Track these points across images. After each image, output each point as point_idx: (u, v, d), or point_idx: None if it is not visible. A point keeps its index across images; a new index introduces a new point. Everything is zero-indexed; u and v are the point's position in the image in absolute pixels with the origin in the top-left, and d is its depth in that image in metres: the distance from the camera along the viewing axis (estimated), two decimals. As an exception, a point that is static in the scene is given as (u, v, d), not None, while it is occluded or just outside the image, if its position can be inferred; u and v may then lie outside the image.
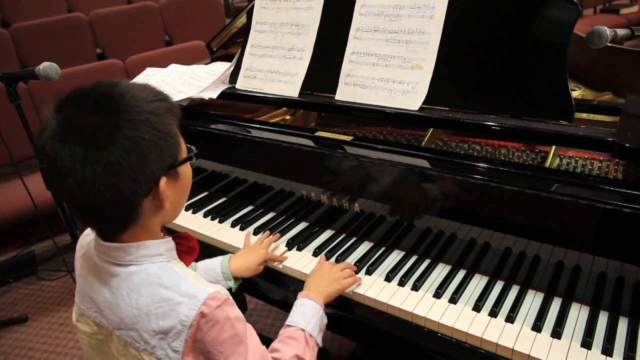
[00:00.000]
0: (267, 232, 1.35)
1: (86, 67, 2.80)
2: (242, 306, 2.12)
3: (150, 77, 1.82)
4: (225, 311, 0.78)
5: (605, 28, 1.17)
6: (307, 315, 1.01)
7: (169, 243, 0.85)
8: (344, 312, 1.14)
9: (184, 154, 0.82)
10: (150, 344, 0.78)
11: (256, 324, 2.21)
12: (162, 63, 1.95)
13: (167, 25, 3.94)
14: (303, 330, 0.99)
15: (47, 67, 1.41)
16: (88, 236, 0.91)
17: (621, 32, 1.29)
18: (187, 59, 2.06)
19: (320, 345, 1.02)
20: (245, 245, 1.30)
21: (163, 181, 0.77)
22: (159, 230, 0.85)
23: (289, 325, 1.00)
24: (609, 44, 1.34)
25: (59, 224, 2.70)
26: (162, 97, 0.79)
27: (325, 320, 1.05)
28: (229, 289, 1.21)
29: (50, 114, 0.73)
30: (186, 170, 0.84)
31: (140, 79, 1.82)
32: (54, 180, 0.74)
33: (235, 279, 1.21)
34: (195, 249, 0.93)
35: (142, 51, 3.21)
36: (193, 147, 0.85)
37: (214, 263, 1.21)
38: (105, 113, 0.72)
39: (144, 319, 0.78)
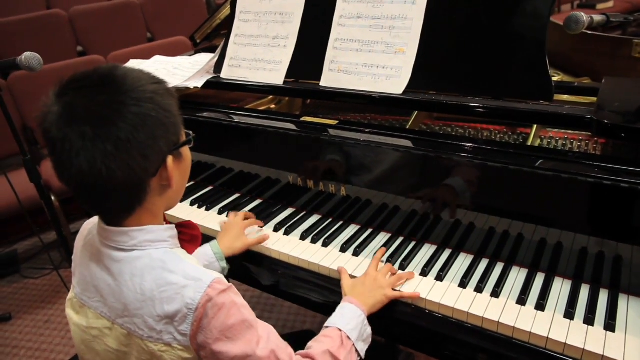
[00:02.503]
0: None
1: (68, 63, 2.76)
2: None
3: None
4: (230, 296, 0.77)
5: (583, 14, 1.19)
6: (345, 317, 0.98)
7: (172, 230, 0.84)
8: (329, 292, 1.14)
9: (184, 136, 0.83)
10: (155, 329, 0.77)
11: (244, 316, 2.20)
12: (146, 58, 1.93)
13: (148, 22, 3.91)
14: (340, 330, 0.95)
15: (29, 57, 1.38)
16: (89, 225, 0.90)
17: (597, 18, 1.32)
18: (171, 55, 2.04)
19: (362, 355, 0.98)
20: (222, 228, 1.31)
21: (170, 159, 0.77)
22: (162, 215, 0.85)
23: (326, 327, 0.98)
24: (586, 31, 1.37)
25: (43, 221, 2.67)
26: (160, 80, 0.80)
27: (368, 330, 1.00)
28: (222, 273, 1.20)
29: (52, 99, 0.72)
30: (187, 153, 0.85)
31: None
32: (63, 164, 0.72)
33: (227, 259, 1.21)
34: (197, 238, 0.92)
35: (124, 48, 3.17)
36: (190, 132, 0.86)
37: (203, 248, 1.21)
38: (110, 92, 0.72)
39: (149, 304, 0.76)
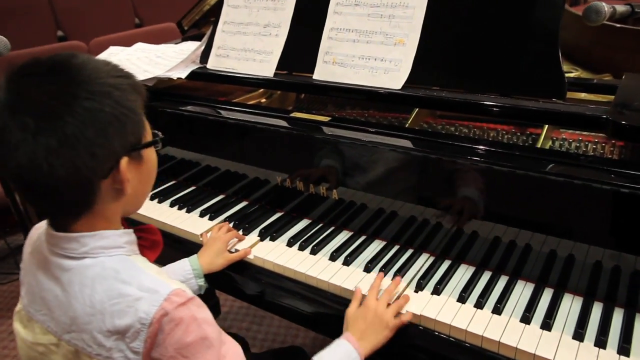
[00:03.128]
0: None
1: (46, 48, 2.76)
2: (215, 309, 2.14)
3: (114, 55, 1.81)
4: (191, 310, 0.76)
5: (604, 4, 1.18)
6: (335, 356, 0.96)
7: (129, 235, 0.83)
8: (316, 304, 1.14)
9: (149, 136, 0.82)
10: (105, 346, 0.75)
11: (230, 329, 2.20)
12: (130, 45, 1.93)
13: (137, 6, 3.92)
14: None
15: (-5, 40, 1.39)
16: (38, 230, 0.89)
17: (621, 8, 1.31)
18: (158, 42, 2.05)
19: None
20: (204, 242, 1.29)
21: (124, 161, 0.75)
22: (118, 220, 0.83)
23: None
24: (608, 23, 1.36)
25: (11, 222, 2.67)
26: (125, 74, 0.78)
27: None
28: (198, 292, 1.20)
29: (2, 85, 0.72)
30: (151, 155, 0.84)
31: (103, 57, 1.81)
32: (1, 156, 0.71)
33: (205, 277, 1.21)
34: (158, 243, 0.91)
35: (108, 34, 3.18)
36: (159, 133, 0.85)
37: (182, 262, 1.21)
38: (62, 82, 0.71)
39: (98, 317, 0.75)
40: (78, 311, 0.76)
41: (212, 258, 1.21)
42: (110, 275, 0.76)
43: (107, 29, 3.48)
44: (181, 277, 1.17)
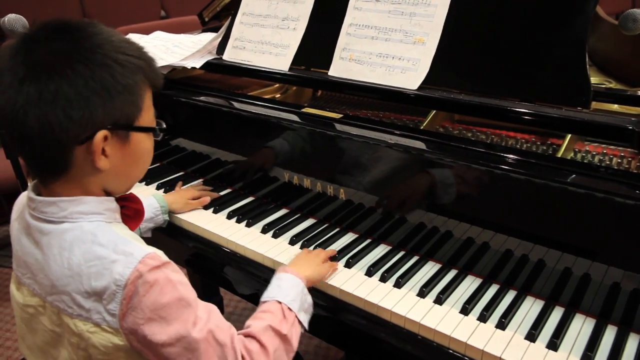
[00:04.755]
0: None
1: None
2: (219, 308, 2.13)
3: (131, 43, 1.85)
4: (165, 272, 0.79)
5: (642, 11, 1.16)
6: (284, 288, 1.01)
7: (110, 203, 0.86)
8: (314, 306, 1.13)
9: (145, 122, 0.84)
10: (84, 307, 0.79)
11: (232, 330, 2.20)
12: (151, 37, 1.97)
13: (163, -1, 4.00)
14: (279, 302, 0.97)
15: (13, 19, 1.43)
16: (25, 196, 0.92)
17: (662, 16, 1.27)
18: (179, 33, 2.09)
19: (307, 327, 1.01)
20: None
21: (101, 134, 0.77)
22: (99, 193, 0.86)
23: (264, 302, 0.99)
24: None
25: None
26: (143, 57, 0.82)
27: (309, 299, 1.04)
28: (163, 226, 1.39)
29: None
30: (143, 141, 0.86)
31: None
32: None
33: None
34: (141, 212, 0.94)
35: (132, 24, 3.25)
36: (163, 123, 0.88)
37: (149, 199, 1.34)
38: (65, 42, 0.76)
39: (76, 279, 0.79)
40: (57, 273, 0.80)
41: (179, 197, 1.41)
42: (88, 238, 0.80)
43: (132, 19, 3.56)
44: (151, 213, 1.32)
